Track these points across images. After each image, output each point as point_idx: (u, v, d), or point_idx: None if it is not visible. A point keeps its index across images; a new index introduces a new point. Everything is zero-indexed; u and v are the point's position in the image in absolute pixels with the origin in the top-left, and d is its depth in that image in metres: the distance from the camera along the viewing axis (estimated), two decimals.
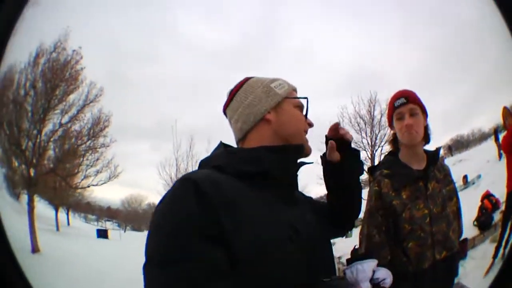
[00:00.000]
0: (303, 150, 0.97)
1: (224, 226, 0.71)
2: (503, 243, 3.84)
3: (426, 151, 1.72)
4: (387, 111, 1.80)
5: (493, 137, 10.40)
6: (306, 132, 1.01)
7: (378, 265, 1.57)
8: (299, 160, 0.98)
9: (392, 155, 1.78)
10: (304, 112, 1.03)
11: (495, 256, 3.90)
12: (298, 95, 1.04)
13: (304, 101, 1.03)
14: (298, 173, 1.00)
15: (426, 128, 1.69)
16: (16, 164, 7.55)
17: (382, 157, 1.85)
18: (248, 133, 0.98)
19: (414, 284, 1.59)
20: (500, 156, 9.36)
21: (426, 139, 1.71)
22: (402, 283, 1.51)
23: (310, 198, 1.17)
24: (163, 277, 0.67)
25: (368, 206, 1.71)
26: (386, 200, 1.65)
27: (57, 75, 8.65)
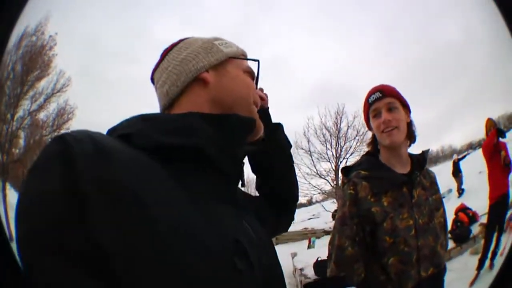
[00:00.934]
0: (254, 126, 0.68)
1: (102, 235, 0.38)
2: (489, 255, 4.00)
3: (410, 154, 1.50)
4: (363, 110, 1.57)
5: (451, 170, 10.31)
6: (256, 106, 0.73)
7: (350, 283, 1.12)
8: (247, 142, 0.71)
9: (371, 156, 1.54)
10: (256, 81, 0.79)
11: (479, 268, 4.05)
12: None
13: (254, 66, 0.78)
14: (244, 159, 0.72)
15: (409, 125, 1.46)
16: None
17: None
18: (176, 98, 0.69)
19: None
20: (460, 192, 9.80)
21: (411, 138, 1.47)
22: None
23: (241, 191, 0.80)
24: None
25: (340, 212, 1.46)
26: (364, 206, 1.39)
27: (32, 59, 8.30)
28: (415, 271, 1.35)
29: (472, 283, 3.88)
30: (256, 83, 0.78)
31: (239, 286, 0.50)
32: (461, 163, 10.34)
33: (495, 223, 4.12)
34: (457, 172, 10.17)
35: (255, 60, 0.77)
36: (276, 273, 0.64)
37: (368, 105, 1.48)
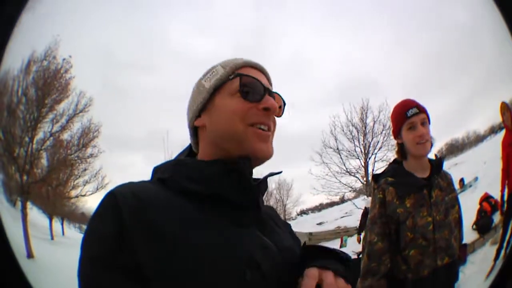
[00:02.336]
0: (249, 162, 0.72)
1: (140, 256, 0.57)
2: (505, 245, 3.79)
3: (429, 160, 1.75)
4: (394, 121, 1.78)
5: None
6: (258, 123, 0.74)
7: (379, 271, 1.64)
8: (269, 172, 0.79)
9: (396, 163, 1.81)
10: (251, 92, 0.75)
11: (496, 258, 3.84)
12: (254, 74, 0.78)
13: (247, 76, 0.76)
14: (263, 188, 0.78)
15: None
16: (13, 170, 7.51)
17: (376, 164, 2.03)
18: (197, 144, 0.80)
19: None
20: None
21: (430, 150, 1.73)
22: None
23: (290, 226, 0.93)
24: None
25: (371, 213, 1.74)
26: (390, 208, 1.66)
27: (47, 83, 8.56)
28: (432, 260, 1.61)
29: (488, 274, 3.67)
30: (253, 94, 0.75)
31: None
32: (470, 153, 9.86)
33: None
34: None
35: (238, 75, 0.75)
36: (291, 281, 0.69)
37: (405, 118, 1.70)
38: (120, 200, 0.60)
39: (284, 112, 0.84)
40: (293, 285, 0.66)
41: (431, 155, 1.77)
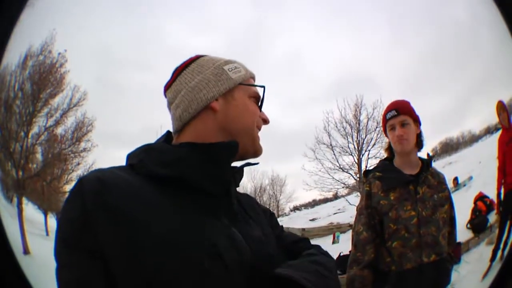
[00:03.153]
0: (236, 150, 0.76)
1: (99, 238, 0.59)
2: (502, 245, 3.82)
3: (421, 158, 1.83)
4: (381, 121, 1.92)
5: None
6: (259, 129, 0.84)
7: (363, 260, 1.70)
8: (245, 161, 0.82)
9: (387, 160, 1.90)
10: (260, 104, 0.87)
11: (492, 259, 3.88)
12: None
13: (261, 91, 0.86)
14: (241, 176, 0.82)
15: (418, 135, 1.80)
16: (9, 166, 7.45)
17: (369, 161, 2.15)
18: (187, 123, 0.80)
19: (396, 285, 1.66)
20: None
21: (419, 146, 1.82)
22: (384, 283, 1.68)
23: (271, 212, 0.96)
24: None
25: (359, 205, 1.83)
26: (375, 199, 1.74)
27: (43, 77, 8.49)
28: (415, 255, 1.64)
29: (485, 275, 3.70)
30: (261, 106, 0.86)
31: (208, 282, 0.62)
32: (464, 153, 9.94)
33: (508, 212, 3.92)
34: None
35: (261, 86, 0.85)
36: (266, 274, 0.69)
37: (385, 120, 1.83)
38: (85, 185, 0.62)
39: None
40: (259, 279, 0.68)
41: (423, 154, 1.86)
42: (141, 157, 0.72)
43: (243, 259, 0.68)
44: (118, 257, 0.59)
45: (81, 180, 0.64)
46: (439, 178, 1.81)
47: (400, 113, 1.77)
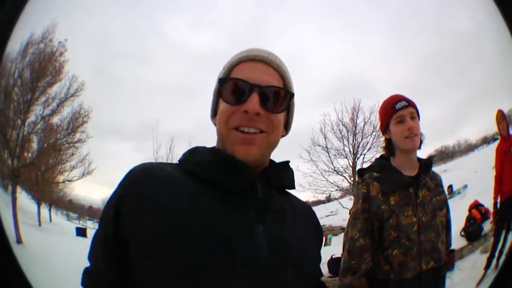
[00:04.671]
0: (221, 157, 0.76)
1: (123, 224, 0.66)
2: (496, 254, 3.84)
3: (419, 159, 1.68)
4: (382, 115, 1.72)
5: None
6: (240, 126, 0.75)
7: (359, 269, 1.57)
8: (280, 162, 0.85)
9: (383, 159, 1.73)
10: (239, 95, 0.76)
11: (487, 267, 3.90)
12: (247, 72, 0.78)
13: (242, 81, 0.77)
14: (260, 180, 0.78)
15: (420, 133, 1.66)
16: (5, 154, 7.39)
17: (364, 165, 1.93)
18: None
19: None
20: None
21: (419, 145, 1.67)
22: None
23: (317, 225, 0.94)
24: None
25: (354, 208, 1.66)
26: (374, 203, 1.59)
27: (42, 66, 8.45)
28: (416, 263, 1.53)
29: (479, 283, 3.72)
30: (240, 97, 0.75)
31: (213, 272, 0.63)
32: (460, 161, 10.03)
33: (504, 221, 3.95)
34: None
35: (219, 82, 0.80)
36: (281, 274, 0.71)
37: (393, 111, 1.63)
38: (130, 174, 0.70)
39: (290, 104, 0.83)
40: (273, 278, 0.69)
41: (423, 154, 1.72)
42: (186, 156, 0.79)
43: (258, 256, 0.68)
44: (137, 243, 0.65)
45: (131, 170, 0.71)
46: (437, 181, 1.70)
47: (410, 105, 1.62)
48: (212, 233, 0.66)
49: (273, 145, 0.80)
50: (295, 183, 0.87)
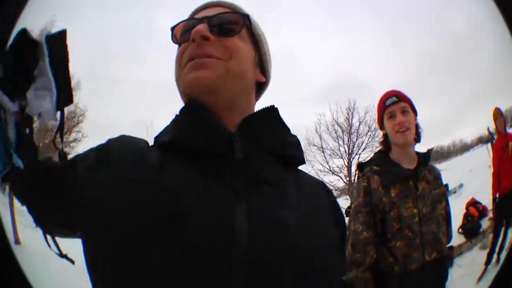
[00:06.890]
0: (194, 105, 0.62)
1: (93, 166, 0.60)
2: (497, 249, 3.89)
3: (417, 152, 1.72)
4: (376, 111, 1.80)
5: None
6: (189, 59, 0.63)
7: (364, 262, 1.58)
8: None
9: (382, 153, 1.77)
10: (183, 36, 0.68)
11: (487, 262, 3.94)
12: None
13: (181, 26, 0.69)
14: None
15: (416, 126, 1.70)
16: None
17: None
18: None
19: (400, 285, 1.57)
20: None
21: (417, 138, 1.71)
22: (387, 283, 1.59)
23: (334, 201, 0.74)
24: None
25: (356, 202, 1.69)
26: (375, 196, 1.63)
27: None
28: (419, 254, 1.55)
29: (480, 278, 3.75)
30: (184, 36, 0.67)
31: (160, 247, 0.50)
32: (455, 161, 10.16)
33: (503, 216, 4.00)
34: None
35: (171, 30, 0.69)
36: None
37: (384, 107, 1.70)
38: (110, 139, 0.65)
39: (255, 36, 0.71)
40: (252, 266, 0.51)
41: (423, 148, 1.75)
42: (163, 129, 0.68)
43: (229, 236, 0.52)
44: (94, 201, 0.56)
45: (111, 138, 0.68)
46: (435, 174, 1.72)
47: (401, 100, 1.68)
48: (165, 201, 0.54)
49: (238, 75, 0.64)
50: (303, 152, 0.72)
